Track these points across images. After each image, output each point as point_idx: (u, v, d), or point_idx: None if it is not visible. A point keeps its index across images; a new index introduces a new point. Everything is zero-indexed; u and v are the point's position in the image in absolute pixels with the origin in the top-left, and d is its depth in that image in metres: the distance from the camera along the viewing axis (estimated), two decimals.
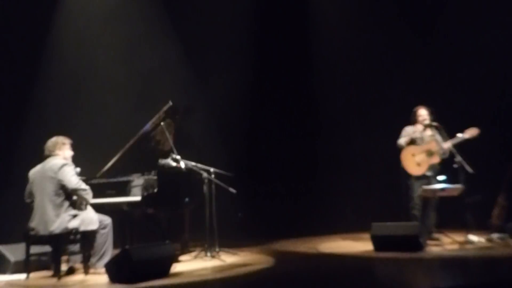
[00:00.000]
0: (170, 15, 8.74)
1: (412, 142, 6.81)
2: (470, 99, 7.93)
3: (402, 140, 6.80)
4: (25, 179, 5.69)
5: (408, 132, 6.84)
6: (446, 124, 6.69)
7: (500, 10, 7.91)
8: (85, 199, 5.53)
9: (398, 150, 6.82)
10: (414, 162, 6.70)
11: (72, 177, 5.47)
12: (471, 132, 6.53)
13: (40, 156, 5.69)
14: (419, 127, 6.80)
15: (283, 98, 9.45)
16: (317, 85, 9.64)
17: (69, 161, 5.66)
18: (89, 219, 5.51)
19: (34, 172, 5.62)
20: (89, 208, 5.63)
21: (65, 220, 5.39)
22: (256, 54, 9.15)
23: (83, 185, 5.52)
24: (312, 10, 9.55)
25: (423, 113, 6.81)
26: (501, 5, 7.93)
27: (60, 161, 5.54)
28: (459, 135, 6.56)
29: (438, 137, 6.71)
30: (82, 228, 5.43)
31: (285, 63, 9.41)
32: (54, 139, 5.67)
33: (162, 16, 8.70)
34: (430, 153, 6.68)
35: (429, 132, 6.80)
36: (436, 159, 6.68)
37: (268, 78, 9.33)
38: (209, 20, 8.83)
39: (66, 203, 5.46)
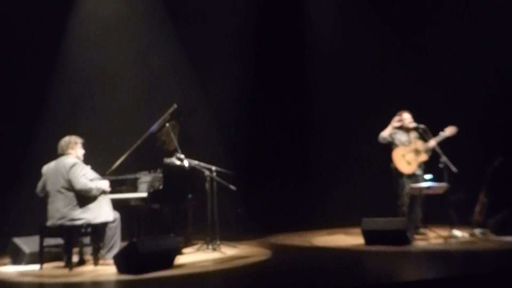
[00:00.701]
0: (174, 22, 8.83)
1: (394, 144, 7.00)
2: (454, 103, 8.12)
3: (383, 133, 6.96)
4: (38, 177, 5.82)
5: (393, 131, 7.02)
6: (430, 125, 6.89)
7: (476, 15, 8.14)
8: (88, 194, 5.62)
9: (386, 145, 6.95)
10: (405, 161, 6.88)
11: (80, 178, 5.57)
12: (450, 130, 6.78)
13: (53, 154, 5.79)
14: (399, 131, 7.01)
15: (280, 102, 9.53)
16: (312, 88, 9.76)
17: (81, 159, 5.78)
18: (99, 212, 5.64)
19: (47, 168, 5.74)
20: (103, 202, 5.73)
21: (75, 214, 5.54)
22: (255, 59, 9.24)
23: (89, 185, 5.59)
24: (307, 17, 9.70)
25: (407, 116, 7.01)
26: (477, 10, 8.17)
27: (72, 160, 5.66)
28: (441, 133, 6.80)
29: (422, 136, 6.94)
30: (92, 222, 5.56)
31: (283, 66, 9.53)
32: (67, 139, 5.78)
33: (167, 23, 8.79)
34: (417, 152, 6.89)
35: (413, 134, 7.03)
36: (424, 157, 6.88)
37: (265, 82, 9.43)
38: (211, 26, 8.93)
39: (77, 199, 5.58)
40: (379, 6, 8.99)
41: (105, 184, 5.81)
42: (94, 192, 5.65)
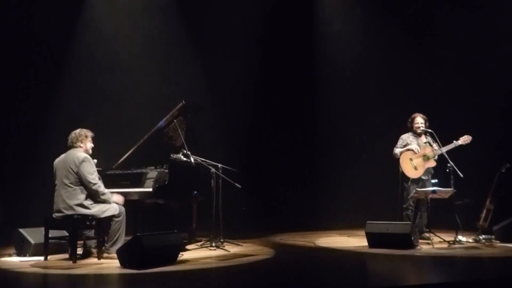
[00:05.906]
0: (186, 18, 8.87)
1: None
2: (463, 110, 8.14)
3: (397, 150, 7.00)
4: (46, 169, 5.87)
5: (404, 140, 7.06)
6: (441, 130, 6.88)
7: (489, 20, 8.13)
8: (96, 195, 5.68)
9: (394, 159, 6.99)
10: (412, 166, 6.89)
11: (93, 174, 5.65)
12: (464, 139, 6.77)
13: (61, 145, 5.83)
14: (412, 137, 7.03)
15: (287, 100, 9.55)
16: (318, 88, 9.78)
17: (89, 153, 5.81)
18: (106, 207, 5.67)
19: (57, 161, 5.78)
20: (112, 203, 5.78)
21: (81, 208, 5.57)
22: (263, 58, 9.30)
23: (98, 185, 5.66)
24: (318, 16, 9.76)
25: (419, 120, 7.02)
26: (489, 15, 8.15)
27: (82, 154, 5.69)
28: (455, 142, 6.78)
29: (431, 142, 6.93)
30: (98, 216, 5.61)
31: (289, 65, 9.54)
32: (77, 131, 5.82)
33: (179, 19, 8.83)
34: (426, 158, 6.90)
35: (423, 138, 7.04)
36: (431, 163, 6.90)
37: (273, 81, 9.46)
38: (222, 25, 8.95)
39: (83, 192, 5.63)
40: (391, 9, 8.99)
41: (115, 198, 5.82)
42: (100, 195, 5.68)
